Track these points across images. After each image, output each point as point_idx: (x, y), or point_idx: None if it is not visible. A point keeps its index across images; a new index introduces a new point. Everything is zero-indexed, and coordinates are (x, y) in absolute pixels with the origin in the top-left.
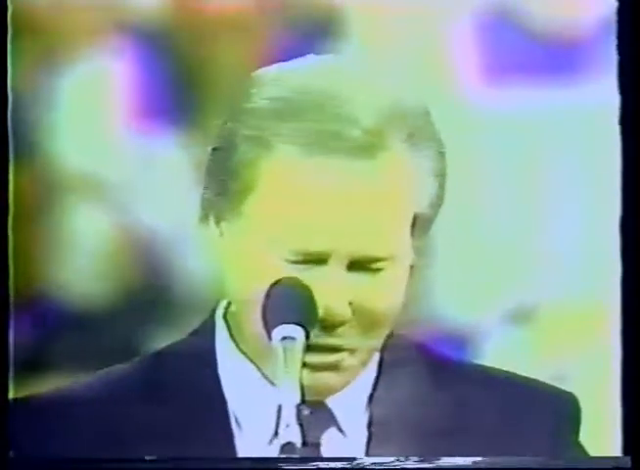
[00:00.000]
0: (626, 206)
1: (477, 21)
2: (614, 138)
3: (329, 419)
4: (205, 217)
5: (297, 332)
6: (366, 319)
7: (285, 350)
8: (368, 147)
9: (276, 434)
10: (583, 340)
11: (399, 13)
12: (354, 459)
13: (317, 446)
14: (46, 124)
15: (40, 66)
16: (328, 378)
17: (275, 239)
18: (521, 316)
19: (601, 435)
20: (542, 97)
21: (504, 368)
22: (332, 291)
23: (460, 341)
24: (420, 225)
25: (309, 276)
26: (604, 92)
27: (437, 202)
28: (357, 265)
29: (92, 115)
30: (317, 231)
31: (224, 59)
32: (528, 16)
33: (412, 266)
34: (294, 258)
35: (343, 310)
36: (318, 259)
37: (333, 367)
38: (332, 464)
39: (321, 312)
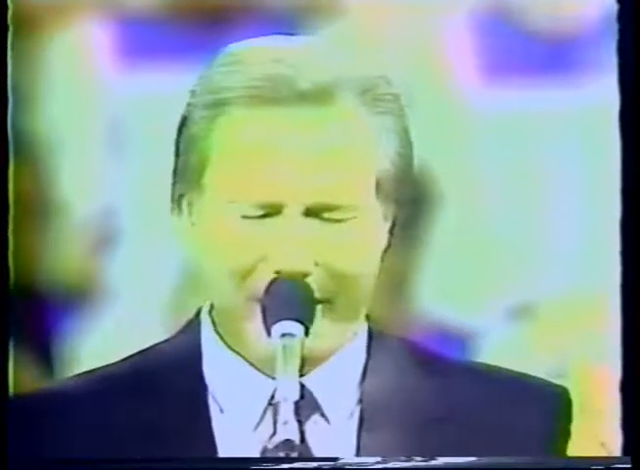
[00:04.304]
0: (626, 204)
1: (474, 19)
2: (614, 137)
3: (315, 410)
4: (177, 208)
5: (297, 329)
6: (333, 274)
7: (284, 346)
8: (318, 96)
9: (274, 431)
10: (583, 338)
11: (397, 11)
12: (343, 459)
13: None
14: (46, 124)
15: (40, 65)
16: (311, 342)
17: (233, 200)
18: (520, 314)
19: (601, 435)
20: (541, 96)
21: (503, 366)
22: (287, 238)
23: (459, 338)
24: (385, 186)
25: (265, 227)
26: (604, 91)
27: (400, 161)
28: (313, 214)
29: (91, 112)
30: (270, 182)
31: None
32: (527, 14)
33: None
34: (250, 214)
35: (303, 259)
36: (274, 211)
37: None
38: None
39: (282, 264)
